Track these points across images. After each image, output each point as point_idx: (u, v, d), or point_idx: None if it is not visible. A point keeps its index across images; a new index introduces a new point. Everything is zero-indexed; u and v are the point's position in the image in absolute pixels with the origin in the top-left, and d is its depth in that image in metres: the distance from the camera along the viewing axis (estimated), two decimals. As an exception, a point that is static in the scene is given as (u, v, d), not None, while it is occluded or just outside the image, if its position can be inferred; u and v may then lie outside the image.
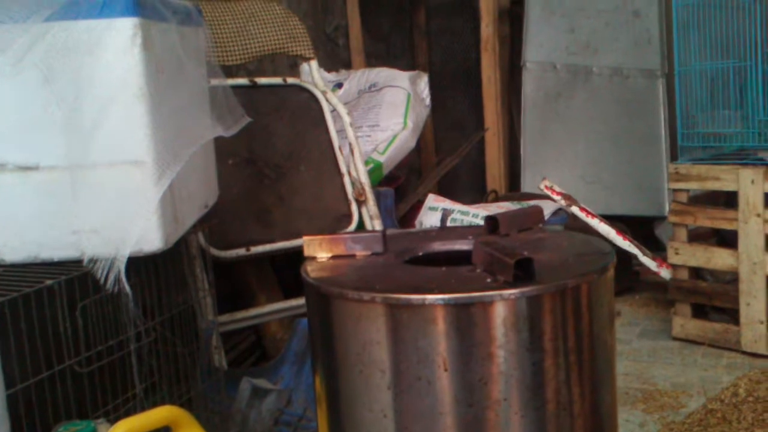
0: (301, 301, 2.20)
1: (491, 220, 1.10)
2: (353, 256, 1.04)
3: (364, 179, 2.42)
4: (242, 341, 2.28)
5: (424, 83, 3.10)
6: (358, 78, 3.16)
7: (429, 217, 2.92)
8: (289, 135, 2.38)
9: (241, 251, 2.10)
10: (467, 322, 0.85)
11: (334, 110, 2.47)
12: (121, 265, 1.33)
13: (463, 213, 2.87)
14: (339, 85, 3.17)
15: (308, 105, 2.45)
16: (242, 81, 2.39)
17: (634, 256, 2.77)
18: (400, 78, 3.05)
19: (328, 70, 3.26)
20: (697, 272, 2.62)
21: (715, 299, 2.52)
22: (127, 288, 1.31)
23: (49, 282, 1.30)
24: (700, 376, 2.30)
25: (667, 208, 3.26)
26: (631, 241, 2.75)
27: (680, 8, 2.61)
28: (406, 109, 2.92)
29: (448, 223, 2.83)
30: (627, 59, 3.49)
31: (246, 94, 2.24)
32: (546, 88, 3.49)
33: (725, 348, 2.46)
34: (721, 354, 2.45)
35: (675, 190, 2.61)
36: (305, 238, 1.05)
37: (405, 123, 2.90)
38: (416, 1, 3.99)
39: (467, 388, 0.86)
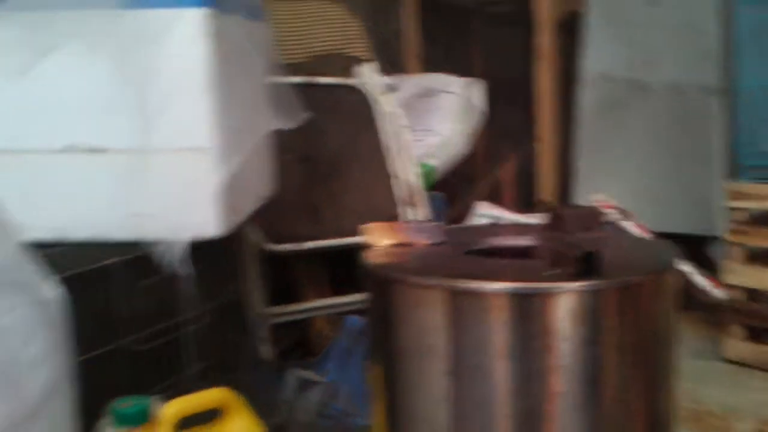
0: (349, 298, 2.21)
1: (554, 218, 1.09)
2: (413, 244, 1.04)
3: (415, 182, 2.43)
4: (288, 336, 2.29)
5: (479, 90, 3.09)
6: (413, 82, 3.17)
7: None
8: (343, 134, 2.40)
9: (293, 246, 2.12)
10: (530, 312, 0.84)
11: (388, 113, 2.48)
12: (180, 249, 1.36)
13: (512, 221, 2.85)
14: (393, 89, 3.17)
15: (363, 106, 2.47)
16: (300, 79, 2.42)
17: (687, 275, 2.71)
18: (455, 84, 3.05)
19: (384, 73, 3.27)
20: (752, 294, 2.55)
21: (770, 322, 2.45)
22: (186, 270, 1.33)
23: (109, 261, 1.34)
24: (751, 399, 2.24)
25: (720, 228, 3.19)
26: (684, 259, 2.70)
27: (744, 24, 2.56)
28: (460, 116, 2.92)
29: (497, 231, 2.81)
30: (685, 75, 3.42)
31: (303, 93, 2.26)
32: (602, 101, 3.44)
33: (779, 372, 2.40)
34: (775, 378, 2.38)
35: (733, 209, 2.55)
36: (367, 225, 1.05)
37: (458, 129, 2.89)
38: (473, 9, 3.99)
39: (526, 379, 0.85)
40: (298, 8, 2.41)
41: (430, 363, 0.88)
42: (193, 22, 1.39)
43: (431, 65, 3.69)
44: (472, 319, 0.86)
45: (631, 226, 2.72)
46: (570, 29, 3.70)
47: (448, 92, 3.00)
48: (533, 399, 0.86)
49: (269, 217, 1.78)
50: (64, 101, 1.38)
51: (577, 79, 3.50)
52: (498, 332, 0.85)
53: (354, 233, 2.23)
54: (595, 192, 2.89)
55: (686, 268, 2.67)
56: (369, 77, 2.51)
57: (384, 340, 0.95)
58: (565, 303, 0.85)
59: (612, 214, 2.80)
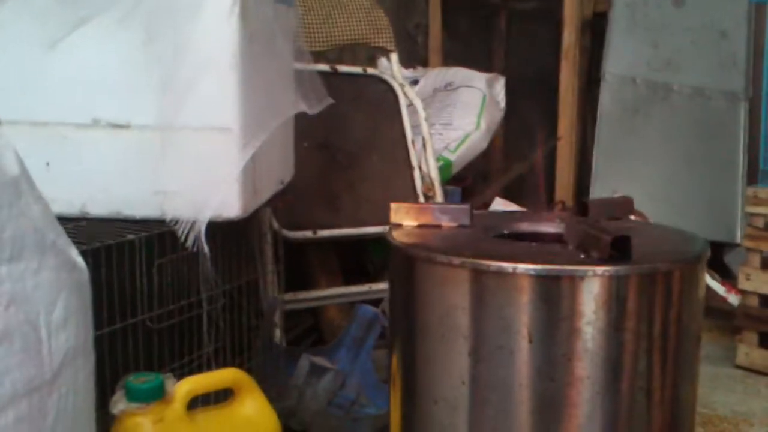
0: (361, 288, 2.21)
1: (582, 205, 1.08)
2: (440, 226, 1.04)
3: (434, 175, 2.42)
4: (300, 323, 2.29)
5: (500, 86, 3.08)
6: (435, 76, 3.16)
7: (493, 221, 2.89)
8: (364, 124, 2.39)
9: (308, 233, 2.12)
10: (556, 295, 0.83)
11: (410, 104, 2.47)
12: (201, 228, 1.36)
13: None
14: (415, 82, 3.17)
15: (385, 97, 2.46)
16: (323, 67, 2.41)
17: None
18: (477, 79, 3.04)
19: (406, 66, 3.27)
20: (765, 300, 2.53)
21: (785, 330, 2.43)
22: (206, 249, 1.33)
23: (130, 237, 1.34)
24: (762, 406, 2.22)
25: (738, 235, 3.16)
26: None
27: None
28: (480, 111, 2.91)
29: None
30: (710, 80, 3.40)
31: (326, 81, 2.26)
32: (624, 102, 3.42)
33: (791, 381, 2.38)
34: (787, 386, 2.36)
35: (751, 215, 2.53)
36: (393, 204, 1.05)
37: (478, 124, 2.88)
38: (498, 5, 3.98)
39: (550, 362, 0.84)
40: (325, -4, 2.41)
41: (453, 343, 0.87)
42: (223, 1, 1.38)
43: (453, 59, 3.68)
44: (497, 300, 0.85)
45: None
46: (596, 29, 3.69)
47: (469, 87, 2.99)
48: (555, 383, 0.85)
49: (290, 201, 1.78)
50: (91, 75, 1.38)
51: (600, 79, 3.48)
52: (523, 314, 0.85)
53: (371, 223, 2.24)
54: (612, 193, 2.87)
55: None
56: (392, 68, 2.51)
57: (406, 319, 0.95)
58: (593, 287, 0.84)
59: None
